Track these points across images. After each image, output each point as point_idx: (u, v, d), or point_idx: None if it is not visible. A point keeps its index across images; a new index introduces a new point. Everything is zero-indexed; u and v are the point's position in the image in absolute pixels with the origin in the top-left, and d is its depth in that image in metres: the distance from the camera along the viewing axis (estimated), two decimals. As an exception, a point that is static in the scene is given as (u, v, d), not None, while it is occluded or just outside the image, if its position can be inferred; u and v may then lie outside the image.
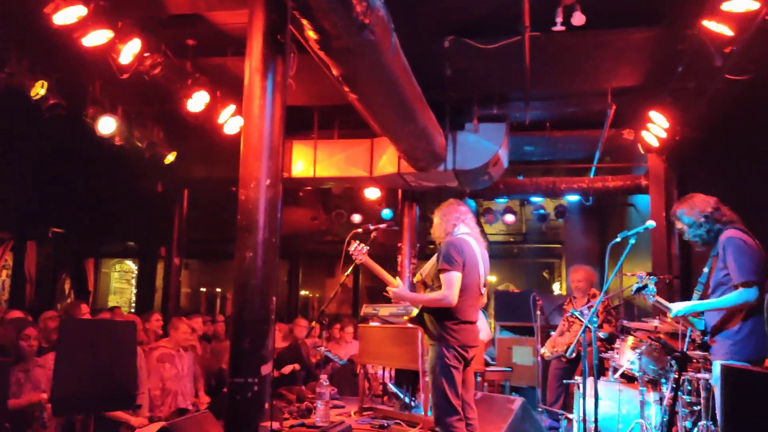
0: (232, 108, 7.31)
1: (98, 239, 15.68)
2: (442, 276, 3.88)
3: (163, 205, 10.62)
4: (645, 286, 4.24)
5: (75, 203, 12.08)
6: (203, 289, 18.43)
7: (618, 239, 4.45)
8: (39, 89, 6.27)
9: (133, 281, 17.73)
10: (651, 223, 4.56)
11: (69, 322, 4.25)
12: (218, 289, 17.91)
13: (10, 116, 7.53)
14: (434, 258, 4.13)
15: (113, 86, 6.88)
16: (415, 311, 4.11)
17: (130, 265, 18.13)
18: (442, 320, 3.91)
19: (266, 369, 3.96)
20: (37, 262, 14.62)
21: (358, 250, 4.33)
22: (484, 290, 4.16)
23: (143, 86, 6.74)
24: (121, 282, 18.59)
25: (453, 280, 3.84)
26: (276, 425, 5.05)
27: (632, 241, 4.51)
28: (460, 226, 4.17)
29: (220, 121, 7.36)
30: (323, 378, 3.58)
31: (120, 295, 18.24)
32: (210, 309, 16.73)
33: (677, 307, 4.18)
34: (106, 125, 7.17)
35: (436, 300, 3.87)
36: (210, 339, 8.50)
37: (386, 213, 10.70)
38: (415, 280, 4.40)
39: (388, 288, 4.19)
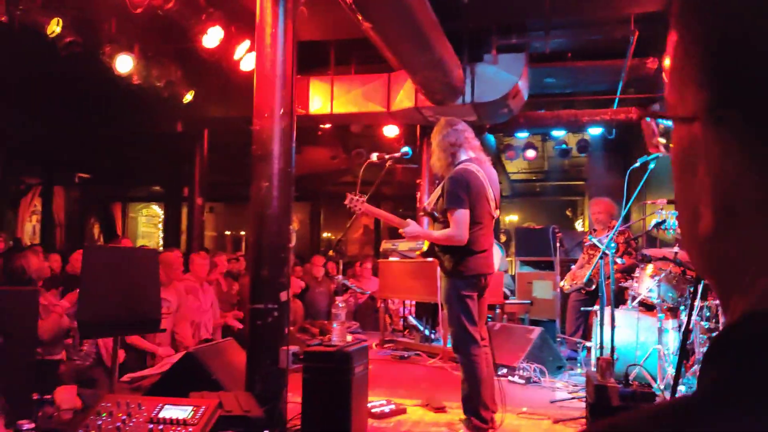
0: (247, 44, 7.24)
1: (124, 183, 15.93)
2: (449, 215, 3.80)
3: (184, 146, 10.68)
4: (663, 221, 4.20)
5: (99, 147, 12.20)
6: (228, 232, 18.71)
7: (637, 164, 4.39)
8: (54, 27, 6.25)
9: (160, 225, 18.06)
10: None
11: (92, 248, 4.36)
12: (242, 232, 18.16)
13: (28, 58, 7.56)
14: (438, 189, 4.01)
15: (129, 23, 6.84)
16: (425, 245, 4.06)
17: (157, 209, 18.45)
18: (453, 253, 3.85)
19: (285, 295, 4.05)
20: (65, 207, 14.96)
21: (356, 201, 4.08)
22: (496, 212, 4.05)
23: (159, 23, 6.70)
24: (148, 226, 18.97)
25: (461, 218, 3.76)
26: (296, 349, 5.19)
27: (652, 165, 4.44)
28: (460, 154, 3.99)
29: (236, 57, 7.31)
30: (339, 300, 3.64)
31: (148, 238, 18.64)
32: (236, 251, 17.01)
33: None
34: (124, 63, 7.15)
35: (447, 238, 3.81)
36: (235, 276, 8.69)
37: (405, 150, 10.64)
38: (421, 213, 4.30)
39: (399, 229, 4.12)
